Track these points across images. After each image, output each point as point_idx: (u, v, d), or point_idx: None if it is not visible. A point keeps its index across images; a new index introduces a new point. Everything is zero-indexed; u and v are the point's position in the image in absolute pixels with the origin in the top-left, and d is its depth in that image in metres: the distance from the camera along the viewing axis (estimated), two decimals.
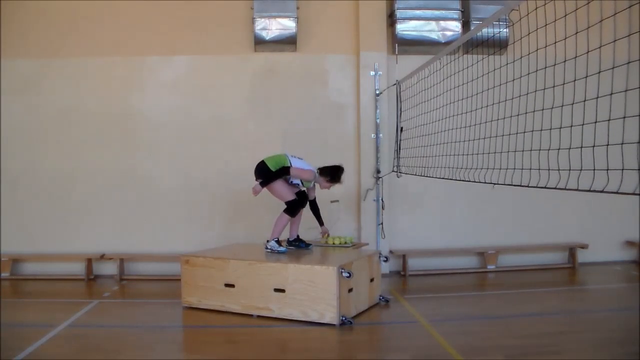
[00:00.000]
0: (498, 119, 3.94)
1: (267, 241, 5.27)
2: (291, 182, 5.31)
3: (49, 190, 6.84)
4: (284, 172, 5.14)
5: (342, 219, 6.38)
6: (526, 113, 3.55)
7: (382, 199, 6.71)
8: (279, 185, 5.19)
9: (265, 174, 5.14)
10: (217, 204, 6.91)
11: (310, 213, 5.67)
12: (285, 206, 5.25)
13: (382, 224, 6.70)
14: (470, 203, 6.93)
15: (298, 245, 5.44)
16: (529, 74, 3.58)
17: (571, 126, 3.04)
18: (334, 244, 5.74)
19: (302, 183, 5.35)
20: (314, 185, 5.46)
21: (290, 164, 5.19)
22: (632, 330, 4.15)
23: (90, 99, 6.87)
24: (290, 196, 5.20)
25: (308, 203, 5.48)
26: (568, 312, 5.05)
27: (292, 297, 4.60)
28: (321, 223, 5.77)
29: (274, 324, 4.60)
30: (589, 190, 2.65)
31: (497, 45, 4.71)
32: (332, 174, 5.31)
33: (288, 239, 5.50)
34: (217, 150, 6.92)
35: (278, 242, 5.26)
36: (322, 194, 6.40)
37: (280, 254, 5.13)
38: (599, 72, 2.76)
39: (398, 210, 6.92)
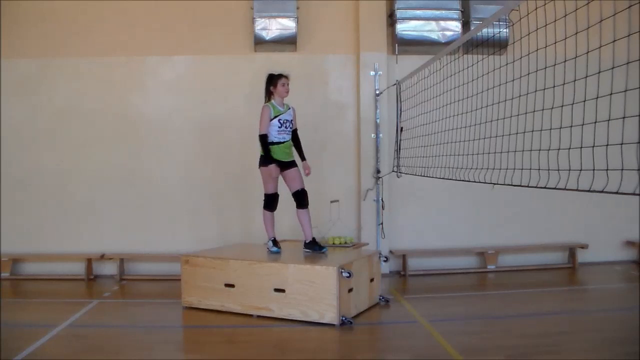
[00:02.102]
0: (498, 119, 3.94)
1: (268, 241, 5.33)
2: (284, 129, 5.18)
3: (49, 190, 6.84)
4: (263, 140, 5.11)
5: (342, 219, 6.38)
6: (526, 113, 3.54)
7: (382, 199, 6.71)
8: (267, 172, 5.15)
9: (260, 159, 5.18)
10: (217, 204, 6.91)
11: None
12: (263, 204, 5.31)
13: (382, 224, 6.70)
14: (470, 203, 6.93)
15: (313, 249, 5.22)
16: (529, 74, 3.58)
17: (571, 126, 3.03)
18: (334, 244, 5.74)
19: (282, 124, 5.17)
20: (291, 124, 5.29)
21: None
22: (632, 330, 4.15)
23: (91, 99, 6.87)
24: (270, 190, 5.20)
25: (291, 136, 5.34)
26: (568, 312, 5.05)
27: (292, 297, 4.61)
28: (302, 157, 5.41)
29: (274, 324, 4.61)
30: (589, 190, 2.65)
31: (497, 45, 4.70)
32: (269, 81, 5.22)
33: (304, 241, 5.32)
34: (217, 150, 6.92)
35: (274, 242, 5.29)
36: (322, 194, 6.41)
37: (275, 254, 5.17)
38: (599, 72, 2.76)
39: (398, 211, 6.92)
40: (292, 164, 5.28)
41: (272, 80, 5.21)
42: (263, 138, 5.11)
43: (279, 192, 5.29)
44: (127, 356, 3.87)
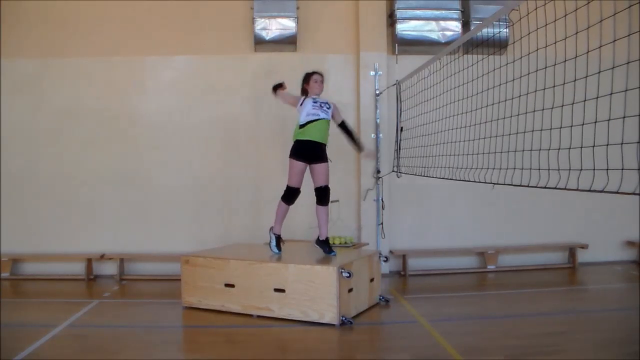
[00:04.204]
0: (498, 119, 3.94)
1: (271, 228, 5.26)
2: (319, 107, 5.10)
3: (49, 190, 6.84)
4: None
5: (342, 219, 6.38)
6: (526, 113, 3.55)
7: (382, 199, 6.71)
8: (296, 167, 5.06)
9: (292, 149, 5.11)
10: (217, 203, 6.90)
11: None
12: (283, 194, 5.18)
13: (382, 224, 6.70)
14: (470, 203, 6.93)
15: (323, 249, 5.13)
16: (529, 74, 3.58)
17: (571, 126, 3.04)
18: (333, 243, 5.74)
19: (317, 102, 5.12)
20: (330, 107, 5.21)
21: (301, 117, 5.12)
22: (632, 330, 4.15)
23: (90, 99, 6.87)
24: (294, 183, 5.08)
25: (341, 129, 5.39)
26: (568, 312, 5.04)
27: (292, 297, 4.60)
28: (358, 147, 5.48)
29: (274, 324, 4.60)
30: (589, 190, 2.65)
31: (497, 45, 4.70)
32: (304, 78, 5.25)
33: (318, 237, 5.22)
34: (217, 150, 6.92)
35: (277, 241, 5.24)
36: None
37: (275, 254, 5.15)
38: (599, 72, 2.76)
39: (398, 210, 6.92)
40: (323, 159, 5.15)
41: (306, 77, 5.22)
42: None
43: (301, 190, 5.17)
44: (127, 356, 3.87)
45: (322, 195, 5.14)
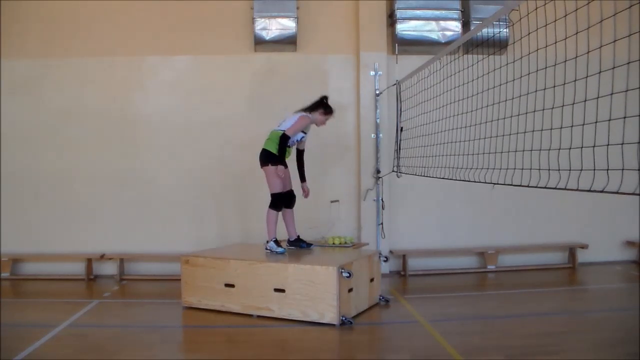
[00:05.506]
0: (498, 119, 3.94)
1: (267, 242, 5.28)
2: (295, 140, 5.33)
3: (49, 190, 6.84)
4: (285, 141, 5.15)
5: (342, 219, 6.38)
6: (526, 113, 3.55)
7: (382, 199, 6.71)
8: (276, 171, 5.16)
9: (270, 157, 5.18)
10: (217, 203, 6.91)
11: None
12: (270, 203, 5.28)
13: (382, 224, 6.70)
14: (470, 203, 6.93)
15: (299, 246, 5.44)
16: (529, 74, 3.58)
17: (571, 126, 3.04)
18: (334, 244, 5.74)
19: (302, 137, 5.39)
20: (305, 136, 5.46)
21: (283, 129, 5.20)
22: (632, 330, 4.15)
23: (90, 99, 6.87)
24: (277, 188, 5.19)
25: (296, 155, 5.54)
26: (568, 312, 5.05)
27: (292, 297, 4.60)
28: (303, 179, 5.59)
29: (274, 324, 4.60)
30: (589, 190, 2.65)
31: (497, 45, 4.71)
32: (322, 104, 5.37)
33: (288, 239, 5.49)
34: (217, 150, 6.92)
35: (277, 242, 5.24)
36: (322, 194, 6.42)
37: (279, 255, 5.13)
38: (599, 72, 2.76)
39: (398, 210, 6.92)
40: (284, 163, 5.38)
41: (325, 108, 5.37)
42: (285, 139, 5.16)
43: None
44: (127, 356, 3.87)
45: (292, 199, 5.44)
